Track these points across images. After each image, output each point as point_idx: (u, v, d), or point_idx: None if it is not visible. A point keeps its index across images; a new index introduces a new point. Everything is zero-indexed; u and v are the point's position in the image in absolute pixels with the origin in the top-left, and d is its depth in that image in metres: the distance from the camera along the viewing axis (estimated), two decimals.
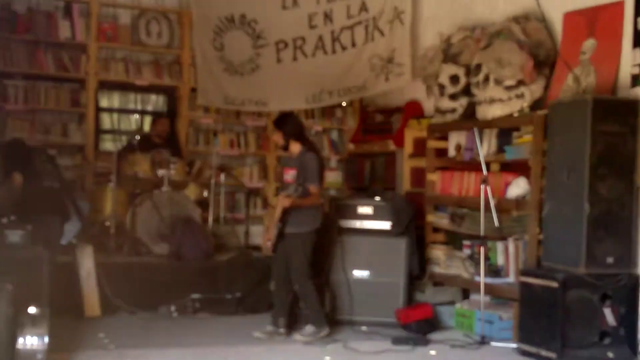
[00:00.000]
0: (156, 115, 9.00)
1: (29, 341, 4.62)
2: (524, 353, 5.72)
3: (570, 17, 6.44)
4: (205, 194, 8.31)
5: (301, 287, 6.18)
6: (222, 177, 8.54)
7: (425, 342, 6.11)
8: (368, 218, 6.92)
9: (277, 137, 6.33)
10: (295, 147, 6.22)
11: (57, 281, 6.00)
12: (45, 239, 6.49)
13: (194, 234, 7.53)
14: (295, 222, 6.05)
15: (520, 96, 6.51)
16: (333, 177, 9.53)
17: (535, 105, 6.46)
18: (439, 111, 7.36)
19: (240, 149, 9.42)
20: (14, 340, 4.57)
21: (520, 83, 6.51)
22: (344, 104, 9.45)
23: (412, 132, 8.06)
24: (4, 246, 5.70)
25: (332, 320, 6.56)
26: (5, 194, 6.73)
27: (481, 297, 6.36)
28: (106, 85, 8.99)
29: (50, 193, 7.30)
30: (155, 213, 7.59)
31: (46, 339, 4.66)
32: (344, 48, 8.69)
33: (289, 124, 6.30)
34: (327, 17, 8.66)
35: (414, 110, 8.29)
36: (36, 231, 6.30)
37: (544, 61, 6.55)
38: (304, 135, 6.38)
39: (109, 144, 9.16)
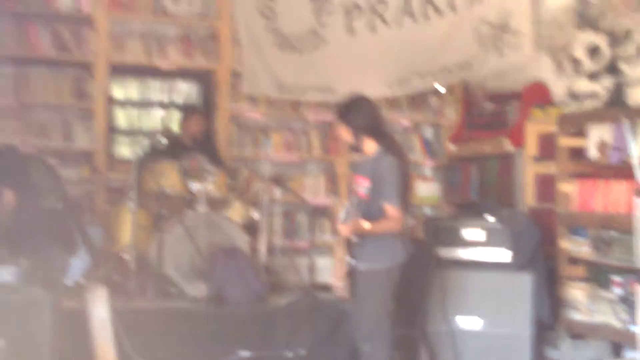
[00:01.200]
0: (188, 110, 9.12)
1: None
2: None
3: None
4: (256, 215, 8.43)
5: (368, 351, 5.94)
6: (277, 191, 8.67)
7: None
8: (478, 245, 6.94)
9: (344, 133, 6.10)
10: (370, 147, 6.02)
11: (62, 334, 6.18)
12: (45, 277, 6.66)
13: (241, 270, 7.60)
14: (365, 255, 5.87)
15: None
16: (427, 189, 9.54)
17: None
18: (574, 96, 7.32)
19: (301, 152, 9.57)
20: None
21: None
22: (442, 90, 9.47)
23: (536, 126, 8.00)
24: None
25: None
26: None
27: (639, 354, 6.33)
28: (120, 71, 9.24)
29: (51, 216, 7.43)
30: (189, 242, 7.69)
31: None
32: (439, 12, 8.66)
33: (359, 113, 6.05)
34: None
35: (537, 95, 8.24)
36: (34, 267, 6.48)
37: None
38: (381, 129, 6.12)
39: (125, 150, 9.40)
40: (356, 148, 6.13)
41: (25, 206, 7.23)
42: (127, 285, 7.54)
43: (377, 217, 5.75)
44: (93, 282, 7.22)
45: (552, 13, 7.81)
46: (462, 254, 6.96)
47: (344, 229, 5.80)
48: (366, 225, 5.71)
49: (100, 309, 6.93)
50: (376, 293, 5.88)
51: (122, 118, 9.66)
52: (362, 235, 5.78)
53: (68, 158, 8.72)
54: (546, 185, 7.82)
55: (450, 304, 6.75)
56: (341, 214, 5.90)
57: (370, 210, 5.81)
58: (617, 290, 6.77)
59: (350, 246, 5.92)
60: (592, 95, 7.14)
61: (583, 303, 7.05)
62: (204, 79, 9.56)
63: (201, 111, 9.03)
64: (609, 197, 6.94)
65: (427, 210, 9.53)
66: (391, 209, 5.76)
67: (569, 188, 7.32)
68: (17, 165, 7.55)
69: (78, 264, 7.53)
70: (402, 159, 6.01)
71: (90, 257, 7.68)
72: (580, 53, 7.19)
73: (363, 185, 5.93)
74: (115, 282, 7.48)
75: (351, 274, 6.01)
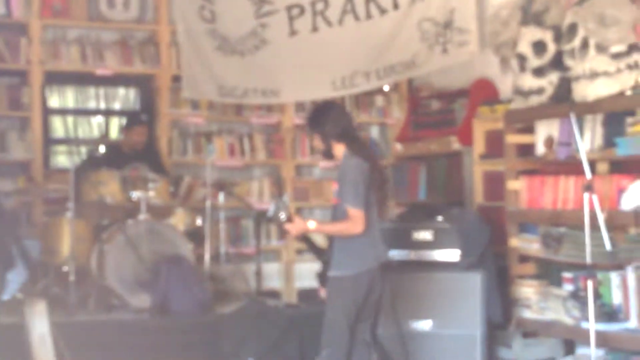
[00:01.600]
0: (131, 120, 9.04)
1: None
2: None
3: None
4: (199, 221, 8.42)
5: (324, 358, 5.83)
6: (221, 197, 8.64)
7: None
8: (427, 247, 6.93)
9: (316, 142, 5.99)
10: (340, 152, 5.89)
11: (0, 350, 6.09)
12: None
13: (185, 279, 7.59)
14: (334, 261, 5.76)
15: (634, 67, 6.50)
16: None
17: None
18: (520, 92, 7.33)
19: (245, 157, 9.53)
20: None
21: (633, 48, 6.49)
22: (386, 88, 9.46)
23: (484, 124, 8.03)
24: None
25: None
26: None
27: (591, 350, 6.33)
28: (56, 78, 9.15)
29: None
30: (131, 251, 7.65)
31: None
32: (383, 11, 8.64)
33: (328, 119, 5.90)
34: None
35: (484, 92, 8.27)
36: None
37: None
38: (351, 134, 5.99)
39: (63, 159, 9.25)
40: (327, 154, 5.99)
41: None
42: (67, 298, 7.49)
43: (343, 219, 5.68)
44: (31, 296, 7.18)
45: (496, 9, 7.83)
46: (411, 255, 6.94)
47: (291, 228, 5.63)
48: (311, 224, 5.70)
49: (39, 324, 6.85)
50: (339, 300, 5.73)
51: (58, 127, 9.54)
52: (330, 239, 5.81)
53: (3, 169, 8.59)
54: (495, 183, 7.86)
55: (401, 307, 6.71)
56: (269, 211, 5.69)
57: (337, 213, 5.79)
58: (568, 287, 6.82)
59: (315, 251, 6.00)
60: (539, 91, 7.15)
61: (534, 301, 7.08)
62: (144, 84, 9.51)
63: (144, 121, 8.97)
64: (558, 193, 6.97)
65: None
66: (351, 210, 5.61)
67: (517, 185, 7.36)
68: None
69: (15, 279, 7.43)
70: (370, 162, 5.86)
71: (28, 270, 7.62)
72: (525, 49, 7.21)
73: (334, 190, 5.97)
74: (55, 295, 7.47)
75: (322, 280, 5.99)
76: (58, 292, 7.56)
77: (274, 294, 8.93)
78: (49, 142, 9.22)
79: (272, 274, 9.20)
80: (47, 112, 9.17)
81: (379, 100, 9.73)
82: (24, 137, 8.76)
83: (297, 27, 8.88)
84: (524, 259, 7.35)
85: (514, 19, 7.40)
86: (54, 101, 9.43)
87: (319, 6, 8.76)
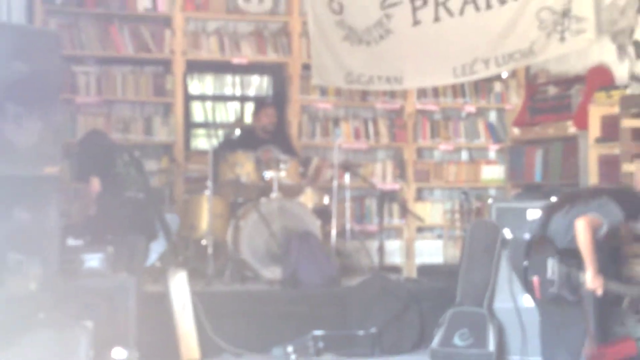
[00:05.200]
0: (260, 103, 9.13)
1: None
2: None
3: None
4: (326, 200, 8.42)
5: None
6: (347, 177, 8.64)
7: None
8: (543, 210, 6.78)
9: None
10: None
11: (145, 317, 6.21)
12: (129, 263, 6.71)
13: (314, 253, 7.61)
14: None
15: None
16: (492, 172, 9.48)
17: None
18: (637, 78, 7.19)
19: (370, 140, 9.50)
20: None
21: None
22: (504, 75, 9.34)
23: (600, 109, 7.85)
24: (80, 274, 5.91)
25: None
26: (81, 207, 6.95)
27: None
28: (197, 67, 9.28)
29: (134, 205, 7.50)
30: (264, 227, 7.70)
31: None
32: (502, 1, 8.56)
33: None
34: None
35: (601, 79, 8.07)
36: (118, 254, 6.51)
37: None
38: None
39: (202, 141, 9.41)
40: None
41: (110, 194, 7.29)
42: (205, 270, 7.60)
43: None
44: (172, 267, 7.27)
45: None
46: (527, 235, 6.82)
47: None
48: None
49: (181, 293, 6.96)
50: None
51: (198, 112, 9.73)
52: None
53: (148, 150, 8.80)
54: (610, 166, 7.67)
55: (516, 282, 6.61)
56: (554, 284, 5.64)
57: None
58: None
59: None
60: None
61: None
62: (276, 72, 9.60)
63: (271, 103, 9.04)
64: None
65: (492, 192, 9.37)
66: None
67: (632, 168, 7.18)
68: (106, 153, 7.62)
69: (155, 248, 7.59)
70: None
71: (167, 242, 7.72)
72: None
73: None
74: (193, 266, 7.54)
75: None
76: (197, 264, 7.67)
77: (395, 269, 8.92)
78: (189, 125, 9.38)
79: (394, 251, 9.19)
80: (188, 98, 9.32)
81: (497, 86, 9.61)
82: (167, 121, 8.91)
83: (420, 17, 8.84)
84: (638, 239, 7.18)
85: (631, 7, 7.25)
86: (194, 88, 9.61)
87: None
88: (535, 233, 5.87)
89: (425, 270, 8.90)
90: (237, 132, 8.88)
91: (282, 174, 8.04)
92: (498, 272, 6.83)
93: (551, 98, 8.92)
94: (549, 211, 5.96)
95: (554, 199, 7.01)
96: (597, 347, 6.31)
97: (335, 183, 8.34)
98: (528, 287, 5.77)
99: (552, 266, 5.61)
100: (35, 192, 5.26)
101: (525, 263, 5.75)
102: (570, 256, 5.62)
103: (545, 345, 5.92)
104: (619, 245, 7.00)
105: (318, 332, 7.03)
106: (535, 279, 5.67)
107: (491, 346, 6.56)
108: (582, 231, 5.53)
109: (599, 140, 7.86)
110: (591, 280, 5.50)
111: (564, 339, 5.71)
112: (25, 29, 7.64)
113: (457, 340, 6.65)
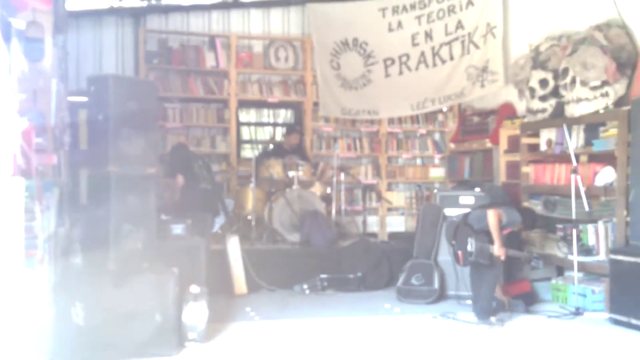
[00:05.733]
0: (291, 128, 9.09)
1: (192, 314, 4.84)
2: (616, 322, 5.52)
3: None
4: (329, 190, 8.40)
5: None
6: (342, 176, 8.63)
7: (525, 310, 6.03)
8: (469, 207, 6.78)
9: None
10: None
11: (211, 265, 6.25)
12: (201, 231, 6.75)
13: (320, 225, 7.63)
14: None
15: (605, 95, 6.29)
16: (437, 172, 9.50)
17: (619, 102, 6.23)
18: (530, 111, 7.20)
19: (356, 151, 9.47)
20: (180, 314, 4.79)
21: (604, 83, 6.29)
22: (444, 109, 9.32)
23: (507, 131, 7.87)
24: (169, 238, 5.96)
25: (442, 295, 6.59)
26: (170, 194, 7.01)
27: (575, 273, 6.18)
28: (244, 104, 9.25)
29: (204, 194, 7.57)
30: (288, 208, 7.73)
31: (206, 313, 4.87)
32: (443, 61, 8.60)
33: None
34: (428, 35, 8.61)
35: (507, 111, 8.09)
36: (194, 225, 6.56)
37: (626, 63, 6.28)
38: None
39: (248, 152, 9.38)
40: None
41: (189, 187, 7.35)
42: (250, 235, 7.63)
43: None
44: (229, 233, 7.32)
45: (515, 59, 7.69)
46: (459, 212, 6.83)
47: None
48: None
49: (235, 250, 7.03)
50: None
51: (245, 133, 9.68)
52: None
53: (213, 158, 8.81)
54: (513, 169, 7.73)
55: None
56: (471, 249, 5.71)
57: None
58: (560, 233, 6.69)
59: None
60: (543, 111, 7.02)
61: (538, 241, 6.96)
62: (296, 107, 9.57)
63: (298, 130, 8.97)
64: (554, 174, 6.88)
65: (437, 185, 9.39)
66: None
67: (528, 169, 7.26)
68: (186, 159, 7.69)
69: (218, 222, 7.63)
70: None
71: (226, 217, 7.78)
72: (534, 84, 7.07)
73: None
74: (243, 233, 7.56)
75: None
76: (244, 231, 7.67)
77: (373, 235, 8.94)
78: (240, 142, 9.32)
79: (372, 223, 9.20)
80: (239, 124, 9.27)
81: (440, 116, 9.58)
82: (225, 139, 8.92)
83: (389, 72, 8.89)
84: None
85: (527, 65, 7.26)
86: (242, 117, 9.56)
87: (404, 59, 8.78)
88: (460, 221, 5.91)
89: (393, 236, 8.96)
90: (270, 146, 8.89)
91: (300, 173, 8.06)
92: (440, 237, 6.84)
93: (475, 124, 8.93)
94: (473, 208, 6.07)
95: (477, 189, 7.05)
96: (504, 285, 6.38)
97: (334, 179, 8.38)
98: (455, 258, 5.86)
99: (471, 243, 5.70)
100: (141, 185, 5.29)
101: (453, 242, 5.85)
102: (483, 235, 5.71)
103: (473, 284, 5.94)
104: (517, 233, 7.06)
105: (323, 276, 7.09)
106: (459, 253, 5.78)
107: (436, 284, 6.58)
108: (492, 217, 5.64)
109: (506, 152, 7.91)
110: (497, 249, 5.60)
111: (483, 279, 5.74)
112: (135, 79, 7.70)
113: (414, 281, 6.65)
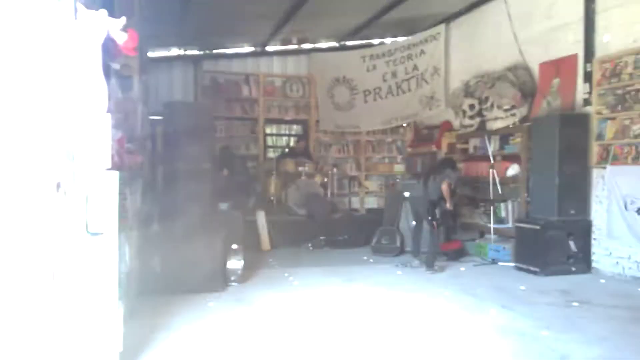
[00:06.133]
0: (297, 137, 9.03)
1: (233, 263, 4.88)
2: (519, 268, 5.56)
3: (544, 66, 6.15)
4: (325, 180, 8.40)
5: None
6: (334, 170, 8.66)
7: (457, 260, 6.04)
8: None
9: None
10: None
11: (246, 230, 6.30)
12: (239, 207, 6.78)
13: (320, 203, 7.65)
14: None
15: (513, 115, 6.30)
16: (399, 168, 9.43)
17: (523, 119, 6.24)
18: (463, 126, 7.19)
19: (344, 153, 9.35)
20: (225, 263, 4.84)
21: (513, 107, 6.29)
22: (404, 125, 9.27)
23: (447, 140, 7.87)
24: (218, 212, 5.99)
25: (402, 251, 6.60)
26: (219, 182, 7.03)
27: (491, 236, 6.20)
28: (269, 121, 9.17)
29: (241, 182, 7.58)
30: (298, 191, 7.74)
31: (242, 262, 4.90)
32: (404, 92, 8.59)
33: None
34: (394, 74, 8.60)
35: (447, 126, 8.07)
36: (235, 203, 6.59)
37: (528, 93, 6.30)
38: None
39: (271, 154, 9.29)
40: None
41: (232, 177, 7.37)
42: (272, 210, 7.58)
43: None
44: (258, 209, 7.32)
45: (453, 90, 7.67)
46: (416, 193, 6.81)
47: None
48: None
49: (262, 220, 7.05)
50: None
51: (270, 141, 9.58)
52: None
53: (248, 157, 8.71)
54: (452, 166, 7.65)
55: (409, 215, 6.64)
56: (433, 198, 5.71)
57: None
58: (482, 208, 6.68)
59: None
60: (471, 126, 7.00)
61: (467, 214, 6.96)
62: (304, 123, 9.44)
63: (303, 139, 8.86)
64: (478, 169, 6.84)
65: (399, 176, 9.36)
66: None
67: (461, 165, 7.20)
68: (230, 157, 7.69)
69: (251, 201, 7.60)
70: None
71: (256, 198, 7.78)
72: (466, 107, 7.05)
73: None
74: (267, 209, 7.48)
75: None
76: (268, 208, 7.59)
77: (356, 210, 8.94)
78: (265, 147, 9.23)
79: (355, 202, 9.18)
80: (265, 135, 9.18)
81: (401, 130, 9.42)
82: (256, 144, 8.82)
83: (367, 99, 8.88)
84: (464, 196, 7.19)
85: (460, 94, 7.25)
86: (267, 130, 9.46)
87: (377, 90, 8.77)
88: (423, 193, 5.83)
89: (370, 211, 8.91)
90: (286, 150, 8.85)
91: (306, 168, 8.03)
92: (401, 212, 6.85)
93: (425, 135, 8.84)
94: (425, 180, 5.92)
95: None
96: (443, 243, 6.41)
97: (329, 172, 8.40)
98: (431, 226, 5.68)
99: (437, 211, 5.69)
100: (199, 176, 5.31)
101: (429, 217, 5.74)
102: (439, 201, 5.73)
103: (415, 241, 5.98)
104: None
105: (322, 237, 7.13)
106: (434, 222, 5.68)
107: (398, 243, 6.59)
108: (446, 188, 5.67)
109: (446, 154, 7.83)
110: (449, 206, 5.71)
111: (432, 237, 5.72)
112: (194, 104, 7.70)
113: (383, 241, 6.65)
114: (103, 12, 2.71)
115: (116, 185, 2.69)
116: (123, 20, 2.79)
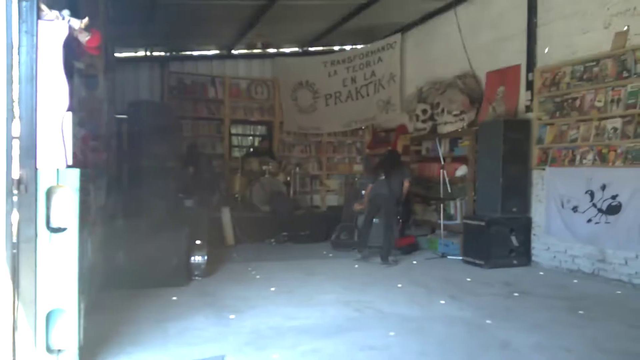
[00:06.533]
0: (262, 138, 8.94)
1: (197, 258, 4.77)
2: (467, 262, 5.68)
3: (490, 74, 6.33)
4: (288, 178, 8.36)
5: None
6: (297, 169, 8.62)
7: (410, 254, 6.12)
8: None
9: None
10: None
11: (211, 227, 6.17)
12: (204, 204, 6.65)
13: (283, 200, 7.58)
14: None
15: (462, 119, 6.44)
16: (358, 168, 9.46)
17: (471, 124, 6.39)
18: (416, 129, 7.31)
19: (307, 153, 9.30)
20: (189, 258, 4.74)
21: (462, 112, 6.44)
22: (363, 127, 9.32)
23: (402, 142, 7.97)
24: (183, 208, 5.87)
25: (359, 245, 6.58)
26: (184, 179, 6.87)
27: (441, 231, 6.33)
28: (234, 121, 9.02)
29: (207, 180, 7.41)
30: (262, 189, 7.65)
31: (205, 257, 4.80)
32: (362, 97, 8.65)
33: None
34: (353, 80, 8.63)
35: (402, 130, 8.19)
36: (199, 200, 6.45)
37: (476, 99, 6.46)
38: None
39: (237, 153, 9.16)
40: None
41: (197, 175, 7.22)
42: (237, 207, 7.47)
43: None
44: (223, 206, 7.20)
45: (407, 96, 7.78)
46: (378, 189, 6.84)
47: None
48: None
49: (226, 216, 6.93)
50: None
51: (235, 140, 9.42)
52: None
53: (213, 157, 8.46)
54: (406, 165, 7.76)
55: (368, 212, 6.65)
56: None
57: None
58: (434, 206, 6.79)
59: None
60: (424, 129, 7.12)
61: (420, 211, 7.07)
62: (268, 124, 9.33)
63: (267, 139, 8.79)
64: (431, 169, 6.95)
65: (358, 176, 9.39)
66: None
67: (414, 166, 7.31)
68: (196, 155, 7.51)
69: (214, 198, 7.46)
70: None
71: (220, 195, 7.65)
72: (419, 112, 7.16)
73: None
74: (231, 206, 7.37)
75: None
76: (233, 204, 7.47)
77: (317, 207, 8.94)
78: (231, 146, 9.05)
79: (317, 199, 9.17)
80: (230, 134, 9.01)
81: (361, 131, 9.44)
82: (222, 144, 8.65)
83: (328, 102, 8.87)
84: (416, 195, 7.31)
85: (414, 99, 7.36)
86: (233, 130, 9.29)
87: (337, 94, 8.77)
88: (388, 192, 5.74)
89: (330, 208, 8.86)
90: (251, 149, 8.75)
91: (270, 167, 7.94)
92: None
93: (382, 137, 8.89)
94: (387, 178, 5.82)
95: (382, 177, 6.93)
96: (399, 239, 6.49)
97: (292, 171, 8.36)
98: (389, 218, 5.71)
99: (400, 210, 5.87)
100: (164, 174, 5.19)
101: (399, 217, 5.94)
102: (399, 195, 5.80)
103: (365, 236, 5.98)
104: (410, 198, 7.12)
105: (284, 233, 7.08)
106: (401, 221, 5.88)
107: (356, 238, 6.50)
108: (407, 185, 5.79)
109: (401, 155, 7.98)
110: (406, 189, 5.78)
111: (389, 233, 5.75)
112: (160, 104, 7.51)
113: (342, 236, 6.64)
114: (66, 12, 2.60)
115: (77, 181, 2.58)
116: (86, 20, 2.68)
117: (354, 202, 6.99)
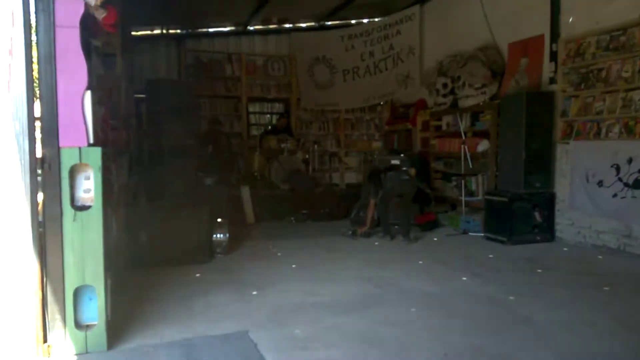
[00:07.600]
0: (280, 115, 8.89)
1: (219, 236, 4.84)
2: (488, 238, 5.63)
3: (512, 45, 6.13)
4: (307, 156, 8.35)
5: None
6: (315, 146, 8.59)
7: (431, 230, 6.09)
8: (397, 167, 6.75)
9: None
10: None
11: (231, 204, 6.22)
12: (224, 182, 6.69)
13: (302, 178, 7.61)
14: None
15: (484, 93, 6.31)
16: (377, 145, 9.40)
17: (493, 97, 6.26)
18: (436, 104, 7.19)
19: (325, 130, 9.26)
20: (211, 236, 4.79)
21: (483, 86, 6.30)
22: (382, 103, 9.20)
23: (421, 117, 7.87)
24: (204, 186, 5.91)
25: (379, 223, 6.56)
26: (204, 158, 6.91)
27: (463, 208, 6.27)
28: (252, 99, 9.00)
29: (226, 158, 7.47)
30: (281, 167, 7.67)
31: (227, 235, 4.86)
32: (381, 71, 8.51)
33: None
34: (371, 54, 8.50)
35: (421, 104, 8.06)
36: (219, 178, 6.46)
37: (498, 72, 6.29)
38: None
39: (255, 131, 9.15)
40: None
41: (216, 153, 7.26)
42: (256, 185, 7.47)
43: None
44: (243, 184, 7.22)
45: (427, 69, 7.62)
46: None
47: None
48: None
49: (246, 194, 6.98)
50: None
51: (253, 118, 9.39)
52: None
53: (232, 135, 8.48)
54: (425, 141, 7.71)
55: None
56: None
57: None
58: (454, 182, 6.72)
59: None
60: (444, 104, 7.00)
61: (440, 188, 7.00)
62: (286, 101, 9.29)
63: (284, 116, 8.72)
64: (451, 145, 6.87)
65: (377, 153, 9.34)
66: None
67: (434, 142, 7.24)
68: (216, 134, 7.54)
69: (234, 176, 7.50)
70: None
71: (240, 174, 7.69)
72: (439, 86, 7.03)
73: None
74: (251, 184, 7.40)
75: None
76: (252, 182, 7.49)
77: (336, 185, 8.94)
78: (249, 124, 9.06)
79: (336, 177, 9.18)
80: (248, 112, 9.01)
81: (379, 107, 9.35)
82: (240, 122, 8.64)
83: (346, 78, 8.78)
84: (437, 171, 7.26)
85: (434, 73, 7.22)
86: (250, 108, 9.27)
87: (355, 69, 8.67)
88: (395, 184, 5.69)
89: (349, 186, 8.85)
90: (269, 127, 8.75)
91: (288, 145, 7.94)
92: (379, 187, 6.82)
93: (401, 113, 8.79)
94: (397, 171, 5.83)
95: (395, 161, 6.54)
96: (419, 215, 6.46)
97: (311, 149, 8.34)
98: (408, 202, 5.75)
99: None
100: (184, 153, 5.21)
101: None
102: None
103: (400, 216, 5.96)
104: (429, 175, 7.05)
105: (304, 211, 7.11)
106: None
107: (375, 216, 6.18)
108: (414, 172, 5.79)
109: (421, 131, 7.90)
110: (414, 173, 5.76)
111: (410, 212, 5.76)
112: (178, 82, 7.50)
113: (361, 214, 6.44)
114: None
115: (99, 160, 2.60)
116: None
117: (374, 179, 6.94)
